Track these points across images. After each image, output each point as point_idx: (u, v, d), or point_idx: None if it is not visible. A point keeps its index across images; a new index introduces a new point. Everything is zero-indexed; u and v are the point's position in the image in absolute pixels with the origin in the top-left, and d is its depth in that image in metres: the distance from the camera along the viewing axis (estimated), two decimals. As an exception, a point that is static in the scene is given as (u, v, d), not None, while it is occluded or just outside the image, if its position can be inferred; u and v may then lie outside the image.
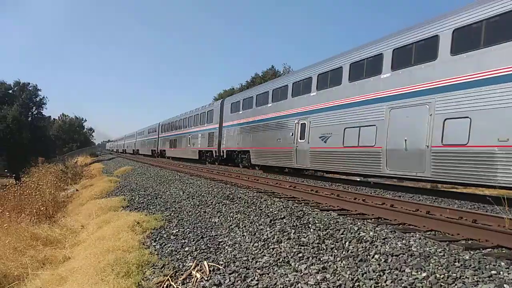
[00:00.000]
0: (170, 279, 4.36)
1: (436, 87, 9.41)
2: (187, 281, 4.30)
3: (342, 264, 4.14)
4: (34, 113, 61.41)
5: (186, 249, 5.45)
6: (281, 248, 4.95)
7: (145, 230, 6.67)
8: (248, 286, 3.93)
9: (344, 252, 4.47)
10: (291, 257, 4.58)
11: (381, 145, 10.84)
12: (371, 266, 3.95)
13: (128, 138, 71.24)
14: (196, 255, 5.12)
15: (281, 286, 3.84)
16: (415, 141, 9.77)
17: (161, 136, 40.86)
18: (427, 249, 4.21)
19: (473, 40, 8.82)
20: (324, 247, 4.73)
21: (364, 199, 7.92)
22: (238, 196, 8.70)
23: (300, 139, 15.08)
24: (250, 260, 4.72)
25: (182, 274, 4.46)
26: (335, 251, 4.56)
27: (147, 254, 5.35)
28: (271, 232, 5.63)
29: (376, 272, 3.80)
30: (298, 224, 5.78)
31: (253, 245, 5.31)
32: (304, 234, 5.31)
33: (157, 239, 6.16)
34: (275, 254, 4.79)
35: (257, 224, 6.19)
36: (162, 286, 4.28)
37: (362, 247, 4.52)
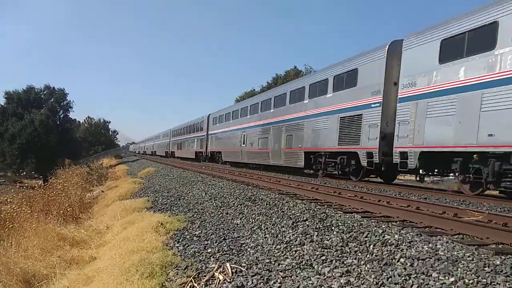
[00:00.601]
0: (193, 280, 4.39)
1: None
2: (210, 282, 4.31)
3: (366, 268, 4.07)
4: (61, 116, 63.16)
5: (209, 250, 5.47)
6: (303, 251, 4.91)
7: (168, 231, 6.75)
8: (271, 289, 3.91)
9: (368, 256, 4.39)
10: (314, 260, 4.54)
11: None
12: (396, 270, 3.86)
13: (147, 141, 77.93)
14: (219, 256, 5.13)
15: (304, 289, 3.80)
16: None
17: (172, 140, 48.92)
18: (455, 253, 4.08)
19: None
20: (348, 250, 4.66)
21: (388, 201, 7.77)
22: (260, 197, 8.69)
23: (243, 144, 24.07)
24: (273, 262, 4.70)
25: (205, 276, 4.48)
26: (359, 254, 4.49)
27: (170, 255, 5.40)
28: (293, 234, 5.60)
29: (402, 276, 3.71)
30: (321, 226, 5.72)
31: (275, 247, 5.29)
32: (327, 236, 5.25)
33: (180, 240, 6.21)
34: (297, 257, 4.75)
35: (279, 226, 6.16)
36: (185, 287, 4.31)
37: (387, 250, 4.43)
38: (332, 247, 4.84)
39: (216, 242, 5.84)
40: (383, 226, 5.36)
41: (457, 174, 10.32)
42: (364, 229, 5.30)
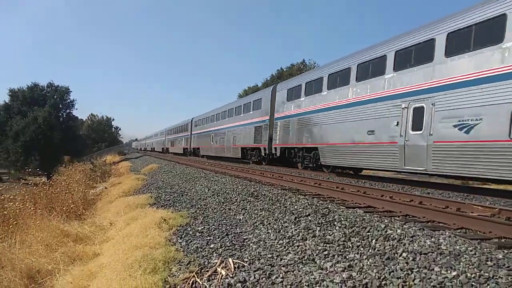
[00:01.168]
0: (195, 276, 4.40)
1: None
2: (212, 277, 4.32)
3: (368, 263, 4.07)
4: (65, 114, 63.32)
5: (211, 246, 5.49)
6: (306, 246, 4.91)
7: (171, 227, 6.77)
8: (273, 284, 3.91)
9: (370, 250, 4.39)
10: (316, 255, 4.54)
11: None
12: (398, 265, 3.87)
13: (148, 139, 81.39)
14: (221, 252, 5.15)
15: (306, 283, 3.81)
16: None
17: (167, 137, 50.02)
18: (457, 247, 4.08)
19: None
20: (350, 245, 4.66)
21: (391, 196, 7.76)
22: (263, 193, 8.70)
23: (211, 142, 32.29)
24: (275, 257, 4.71)
25: (207, 271, 4.50)
26: (361, 249, 4.49)
27: (173, 250, 5.42)
28: (295, 230, 5.60)
29: (404, 271, 3.71)
30: (323, 221, 5.72)
31: (277, 242, 5.30)
32: (329, 231, 5.26)
33: (183, 236, 6.24)
34: (300, 252, 4.76)
35: (282, 222, 6.17)
36: (188, 282, 4.33)
37: (389, 245, 4.43)
38: (335, 242, 4.85)
39: (218, 238, 5.85)
40: (386, 221, 5.37)
41: (298, 159, 18.28)
42: (366, 224, 5.31)
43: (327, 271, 4.05)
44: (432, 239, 4.39)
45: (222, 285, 4.07)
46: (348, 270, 3.99)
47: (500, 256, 3.74)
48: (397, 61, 11.66)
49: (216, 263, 4.66)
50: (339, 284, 3.72)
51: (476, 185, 10.42)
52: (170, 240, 6.08)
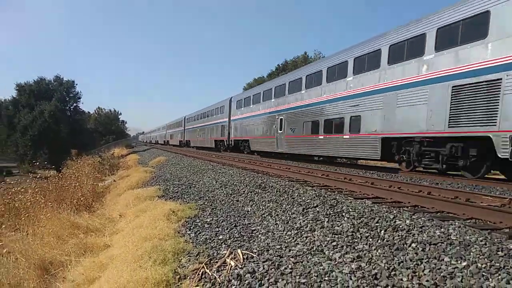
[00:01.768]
0: (205, 267, 4.43)
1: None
2: (222, 268, 4.35)
3: (377, 253, 4.07)
4: (72, 107, 63.70)
5: (220, 237, 5.52)
6: (314, 237, 4.92)
7: (180, 219, 6.81)
8: (282, 274, 3.93)
9: (379, 241, 4.38)
10: (325, 246, 4.55)
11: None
12: (408, 255, 3.86)
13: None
14: (230, 243, 5.17)
15: (315, 274, 3.82)
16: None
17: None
18: (468, 237, 4.05)
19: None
20: (359, 236, 4.66)
21: (399, 187, 7.74)
22: (270, 185, 8.71)
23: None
24: (284, 248, 4.72)
25: (216, 262, 4.53)
26: (370, 239, 4.48)
27: (182, 242, 5.46)
28: (304, 221, 5.61)
29: (414, 261, 3.71)
30: (331, 212, 5.72)
31: (286, 233, 5.31)
32: (337, 222, 5.25)
33: (191, 227, 6.28)
34: (308, 243, 4.77)
35: (290, 213, 6.18)
36: (197, 273, 4.36)
37: (398, 235, 4.42)
38: (343, 233, 4.84)
39: (227, 229, 5.88)
40: (394, 212, 5.35)
41: (242, 147, 26.63)
42: (375, 214, 5.29)
43: (336, 262, 4.06)
44: (442, 230, 4.36)
45: (231, 275, 4.09)
46: (357, 260, 3.99)
47: (511, 246, 3.71)
48: (276, 92, 21.33)
49: (225, 254, 4.69)
50: (348, 274, 3.73)
51: (486, 176, 10.26)
52: (179, 231, 6.13)
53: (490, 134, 9.04)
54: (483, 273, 3.25)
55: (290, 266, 4.12)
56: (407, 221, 4.80)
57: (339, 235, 4.79)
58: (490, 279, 3.19)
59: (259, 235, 5.43)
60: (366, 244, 4.38)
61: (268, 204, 7.02)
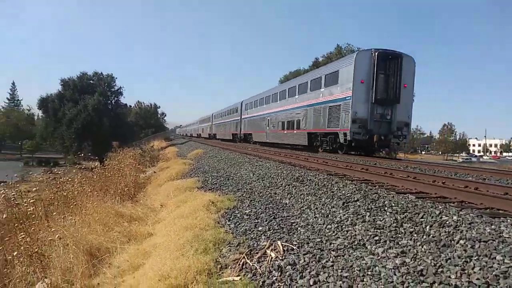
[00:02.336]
0: (245, 257, 4.48)
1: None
2: (262, 259, 4.38)
3: (423, 249, 3.94)
4: (113, 101, 65.98)
5: (260, 228, 5.55)
6: (355, 231, 4.84)
7: (219, 210, 6.92)
8: (324, 267, 3.90)
9: (424, 237, 4.25)
10: (367, 240, 4.47)
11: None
12: (455, 252, 3.71)
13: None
14: (270, 235, 5.19)
15: (358, 268, 3.76)
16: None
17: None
18: (522, 236, 3.84)
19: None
20: (403, 231, 4.53)
21: (443, 182, 7.44)
22: (308, 178, 8.64)
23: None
24: (324, 241, 4.68)
25: (257, 253, 4.56)
26: (415, 235, 4.35)
27: (222, 232, 5.55)
28: (344, 215, 5.53)
29: (462, 258, 3.56)
30: (373, 207, 5.60)
31: (326, 227, 5.26)
32: (380, 217, 5.14)
33: (231, 218, 6.35)
34: (349, 237, 4.70)
35: (330, 207, 6.11)
36: (238, 263, 4.41)
37: (445, 231, 4.26)
38: (386, 227, 4.73)
39: (266, 221, 5.90)
40: (440, 207, 5.15)
41: (248, 139, 34.79)
42: (419, 209, 5.13)
43: (379, 257, 3.97)
44: (492, 227, 4.16)
45: (272, 267, 4.11)
46: (401, 256, 3.89)
47: None
48: (265, 101, 29.40)
49: (265, 245, 4.71)
50: (392, 270, 3.64)
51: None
52: (219, 222, 6.22)
53: (337, 131, 17.06)
54: (540, 273, 3.08)
55: (331, 259, 4.08)
56: (454, 217, 4.61)
57: (382, 230, 4.68)
58: (548, 280, 3.02)
59: (299, 228, 5.41)
60: (411, 239, 4.26)
61: (307, 198, 6.97)
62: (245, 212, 6.59)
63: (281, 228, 5.45)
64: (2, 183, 11.64)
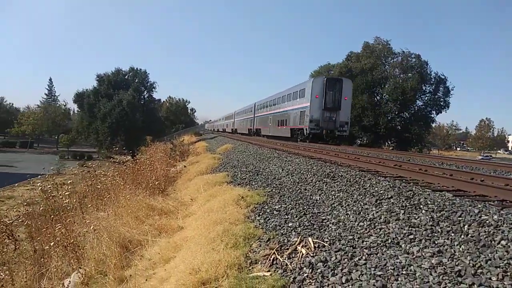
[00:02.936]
0: (276, 253, 4.46)
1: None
2: (293, 255, 4.35)
3: (461, 249, 3.79)
4: (146, 96, 67.44)
5: (290, 224, 5.51)
6: (389, 229, 4.71)
7: (249, 205, 6.93)
8: (356, 265, 3.83)
9: (463, 236, 4.07)
10: (401, 239, 4.34)
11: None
12: (496, 253, 3.54)
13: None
14: (300, 231, 5.15)
15: (392, 267, 3.66)
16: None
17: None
18: None
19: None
20: (439, 230, 4.36)
21: (482, 180, 7.13)
22: (339, 174, 8.49)
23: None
24: (356, 239, 4.59)
25: (287, 249, 4.53)
26: (452, 234, 4.18)
27: (252, 227, 5.55)
28: (377, 212, 5.40)
29: (504, 260, 3.39)
30: (407, 204, 5.43)
31: (358, 224, 5.15)
32: (414, 215, 4.97)
33: (260, 213, 6.35)
34: (382, 235, 4.58)
35: (362, 203, 5.98)
36: (268, 259, 4.40)
37: (485, 231, 4.06)
38: (421, 226, 4.57)
39: (296, 217, 5.85)
40: (479, 206, 4.93)
41: (259, 133, 40.33)
42: (457, 208, 4.92)
43: (414, 256, 3.86)
44: (537, 228, 3.95)
45: (303, 263, 4.07)
46: (437, 255, 3.76)
47: None
48: (256, 109, 42.05)
49: (296, 241, 4.68)
50: (428, 269, 3.53)
51: None
52: (249, 217, 6.23)
53: (303, 127, 24.15)
54: None
55: (364, 257, 4.00)
56: (495, 216, 4.40)
57: (417, 228, 4.53)
58: None
59: (330, 225, 5.33)
60: (448, 238, 4.09)
61: (338, 194, 6.86)
62: (275, 208, 6.56)
63: (312, 225, 5.39)
64: (39, 176, 12.14)
